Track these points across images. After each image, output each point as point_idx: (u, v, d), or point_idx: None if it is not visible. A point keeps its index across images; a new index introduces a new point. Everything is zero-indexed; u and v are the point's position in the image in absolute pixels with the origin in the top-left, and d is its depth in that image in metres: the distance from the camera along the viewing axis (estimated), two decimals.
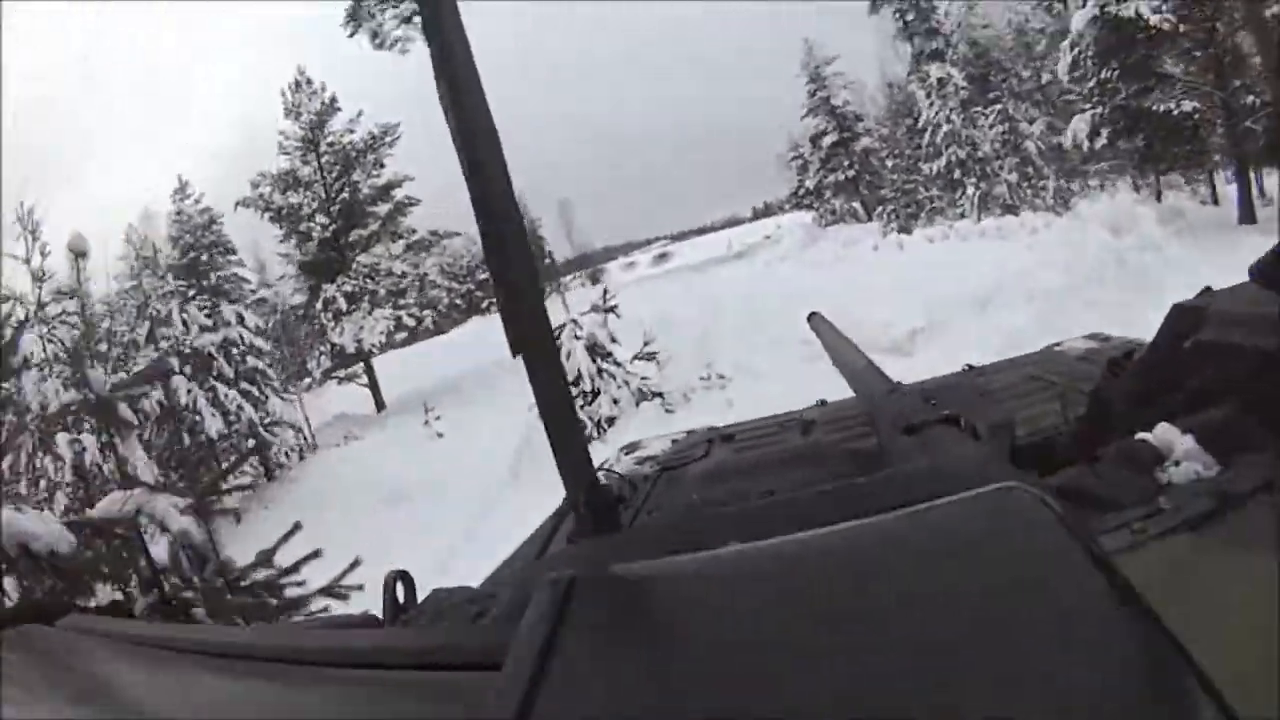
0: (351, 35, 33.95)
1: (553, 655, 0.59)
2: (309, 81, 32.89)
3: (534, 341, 1.07)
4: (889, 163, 40.45)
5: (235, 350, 23.44)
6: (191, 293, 40.97)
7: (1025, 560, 0.61)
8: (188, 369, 21.56)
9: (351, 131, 32.96)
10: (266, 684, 0.89)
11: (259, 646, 1.00)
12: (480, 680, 0.62)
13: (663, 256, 78.95)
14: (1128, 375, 1.55)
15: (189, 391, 20.71)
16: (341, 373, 31.08)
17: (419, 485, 16.11)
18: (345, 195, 32.38)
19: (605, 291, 15.52)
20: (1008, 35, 38.18)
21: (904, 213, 36.41)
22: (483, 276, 59.65)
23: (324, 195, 32.27)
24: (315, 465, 22.30)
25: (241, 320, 23.89)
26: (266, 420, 22.94)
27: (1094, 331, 3.35)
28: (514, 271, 1.09)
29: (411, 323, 31.92)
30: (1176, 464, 0.93)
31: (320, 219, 32.07)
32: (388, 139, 33.10)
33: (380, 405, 30.81)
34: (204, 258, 41.97)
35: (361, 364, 30.95)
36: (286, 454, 23.40)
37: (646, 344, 15.77)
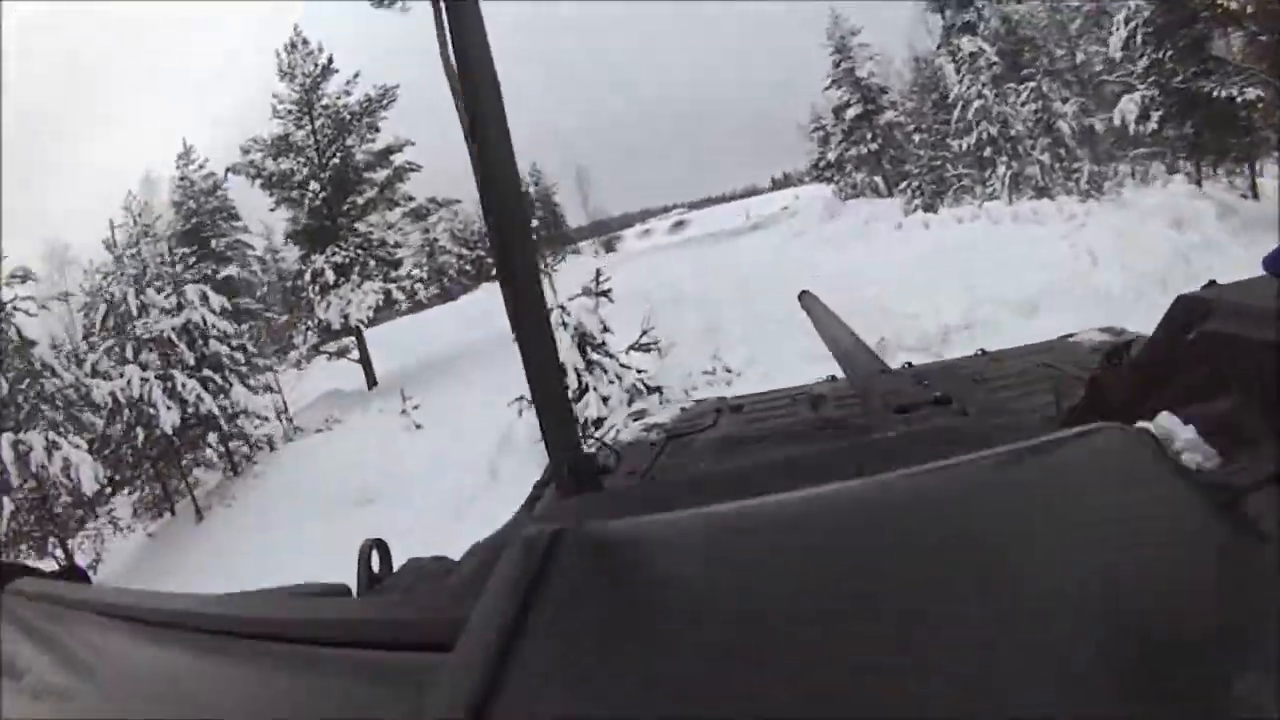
0: None
1: (522, 627, 0.57)
2: (305, 42, 30.95)
3: (528, 314, 1.10)
4: (915, 138, 38.67)
5: (198, 334, 21.42)
6: (193, 259, 40.58)
7: (1139, 500, 0.62)
8: (144, 356, 19.78)
9: (348, 94, 31.07)
10: (208, 656, 0.89)
11: (207, 616, 0.96)
12: (433, 660, 0.60)
13: (679, 225, 79.98)
14: (1127, 364, 1.52)
15: (144, 382, 18.87)
16: (332, 346, 29.28)
17: (390, 485, 14.74)
18: (336, 161, 30.46)
19: (598, 274, 13.66)
20: (1041, 11, 36.42)
21: (929, 190, 34.67)
22: None
23: (316, 161, 30.36)
24: (284, 458, 20.72)
25: (206, 300, 21.74)
26: (230, 411, 20.93)
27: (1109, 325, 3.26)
28: (516, 254, 1.12)
29: (401, 297, 30.04)
30: (1178, 454, 0.85)
31: (312, 186, 30.22)
32: (384, 102, 31.19)
33: (372, 382, 29.12)
34: (207, 223, 41.49)
35: (353, 338, 29.16)
36: (255, 444, 21.62)
37: (644, 333, 13.94)
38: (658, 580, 0.63)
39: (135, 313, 20.22)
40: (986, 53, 32.95)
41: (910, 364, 3.14)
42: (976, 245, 20.40)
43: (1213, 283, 1.30)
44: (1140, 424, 0.91)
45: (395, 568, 1.30)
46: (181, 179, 42.81)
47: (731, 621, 0.53)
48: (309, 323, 28.72)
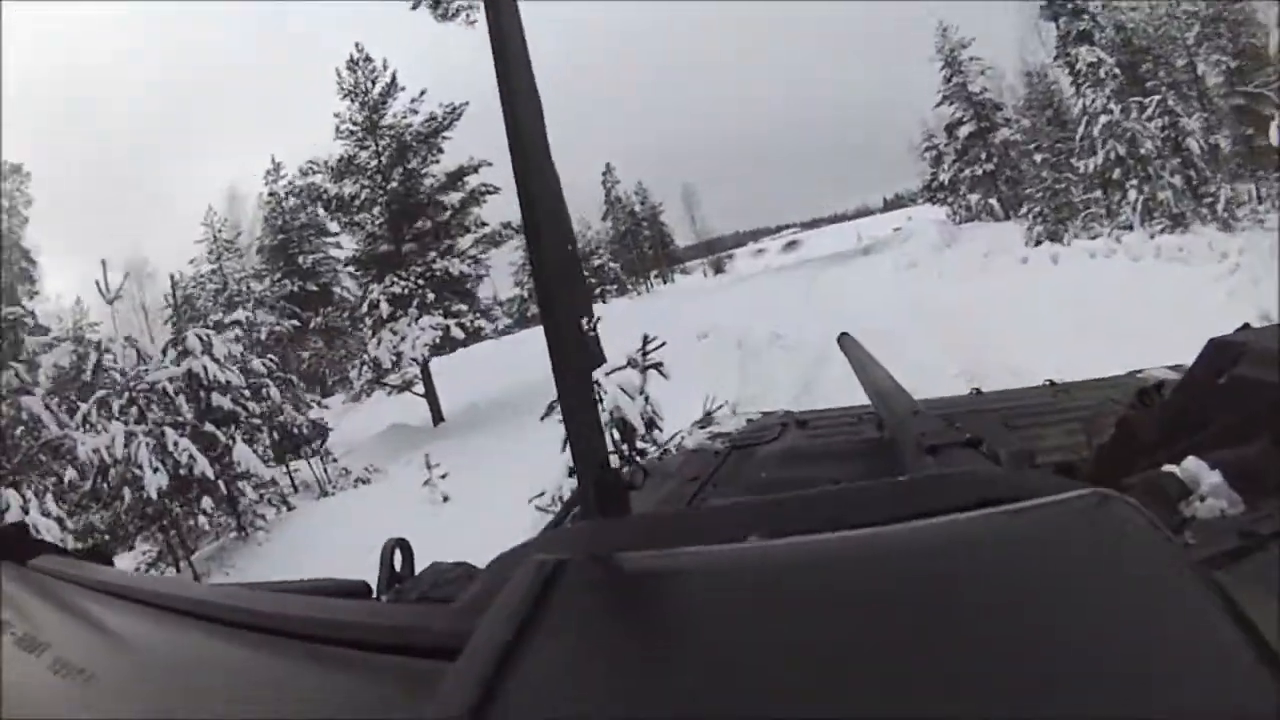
0: (415, 7, 29.80)
1: (523, 645, 0.60)
2: (367, 59, 29.16)
3: (561, 322, 1.09)
4: (1037, 158, 35.65)
5: (200, 386, 18.87)
6: (279, 275, 39.73)
7: (1121, 569, 0.62)
8: (133, 410, 17.52)
9: (414, 112, 29.06)
10: (220, 646, 0.91)
11: (223, 607, 0.98)
12: (435, 667, 0.63)
13: (792, 245, 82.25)
14: (1158, 406, 1.56)
15: (131, 438, 16.59)
16: (395, 379, 26.97)
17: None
18: (395, 185, 28.38)
19: (645, 341, 10.92)
20: (1157, 19, 33.43)
21: (1052, 216, 31.65)
22: (597, 263, 58.95)
23: (380, 184, 28.45)
24: (297, 522, 18.66)
25: (209, 348, 19.22)
26: (232, 472, 18.31)
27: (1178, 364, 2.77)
28: (548, 250, 1.11)
29: (460, 334, 27.07)
30: (1202, 499, 0.89)
31: (375, 210, 28.39)
32: (448, 121, 29.05)
33: (438, 418, 27.09)
34: (294, 239, 40.59)
35: (418, 370, 26.87)
36: (270, 501, 19.53)
37: (708, 414, 10.78)
38: (657, 615, 0.66)
39: (120, 361, 17.97)
40: (1106, 63, 30.24)
41: (978, 390, 3.40)
42: (1117, 288, 17.66)
43: (1247, 326, 1.42)
44: (1166, 468, 0.92)
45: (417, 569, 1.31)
46: (270, 194, 42.31)
47: (721, 663, 0.55)
48: (362, 358, 26.45)
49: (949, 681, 0.48)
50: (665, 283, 68.92)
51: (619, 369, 10.50)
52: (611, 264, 63.63)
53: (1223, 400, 1.15)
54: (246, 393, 19.77)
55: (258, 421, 20.43)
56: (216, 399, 18.72)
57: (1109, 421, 1.87)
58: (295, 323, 32.34)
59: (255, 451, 19.83)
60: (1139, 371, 3.07)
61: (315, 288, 39.48)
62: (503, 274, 43.98)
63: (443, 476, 16.74)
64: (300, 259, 40.90)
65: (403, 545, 1.29)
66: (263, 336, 33.42)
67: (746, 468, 2.75)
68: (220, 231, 44.87)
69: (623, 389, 10.14)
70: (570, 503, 2.72)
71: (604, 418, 9.80)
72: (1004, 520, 0.65)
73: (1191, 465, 0.91)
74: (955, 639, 0.52)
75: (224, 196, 45.47)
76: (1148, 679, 0.48)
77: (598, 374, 10.23)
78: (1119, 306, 15.63)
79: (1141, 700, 0.46)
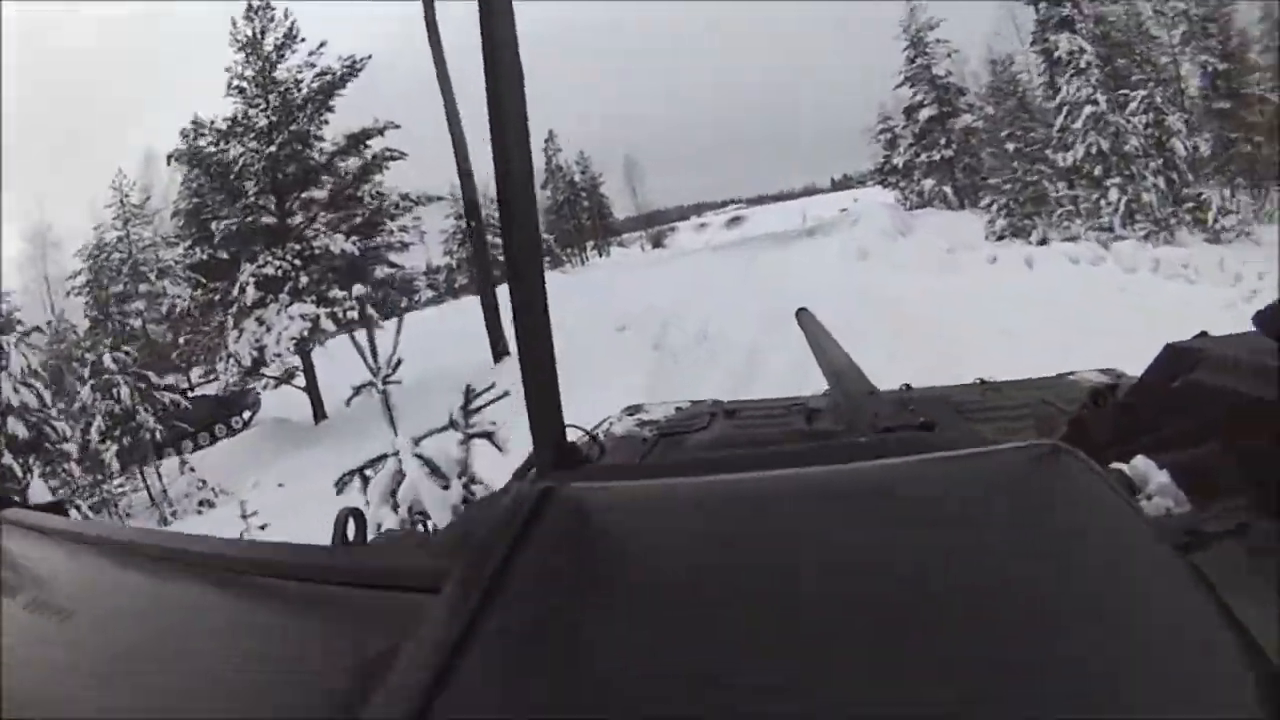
0: None
1: (505, 574, 0.62)
2: (268, 6, 25.54)
3: (527, 301, 1.07)
4: (1009, 146, 33.41)
5: None
6: (189, 243, 36.33)
7: (1072, 517, 0.64)
8: None
9: (311, 66, 25.53)
10: (204, 589, 0.93)
11: (200, 553, 1.01)
12: (418, 601, 0.66)
13: (735, 220, 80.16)
14: (1111, 406, 1.56)
15: None
16: (275, 371, 24.03)
17: None
18: (276, 149, 24.93)
19: (470, 395, 7.29)
20: (1135, 16, 31.52)
21: (1018, 209, 29.19)
22: None
23: (264, 146, 25.13)
24: None
25: (4, 363, 15.95)
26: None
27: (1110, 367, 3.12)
28: (521, 244, 1.09)
29: (332, 326, 23.41)
30: (1149, 498, 0.94)
31: (256, 177, 25.31)
32: (343, 76, 25.59)
33: (320, 414, 24.13)
34: (208, 204, 37.19)
35: (299, 361, 23.91)
36: None
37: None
38: (634, 542, 0.68)
39: None
40: (1087, 52, 28.36)
41: (908, 385, 3.16)
42: (1114, 309, 15.07)
43: (1204, 333, 1.38)
44: (1114, 465, 0.95)
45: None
46: (191, 154, 38.93)
47: (692, 583, 0.59)
48: (223, 354, 23.39)
49: (885, 616, 0.52)
50: (601, 255, 66.92)
51: (439, 430, 7.16)
52: (546, 235, 60.85)
53: (1176, 404, 1.16)
54: (54, 413, 16.82)
55: (69, 448, 17.50)
56: (12, 425, 15.47)
57: (1059, 420, 1.99)
58: (194, 294, 29.01)
59: (105, 461, 18.20)
60: (1071, 373, 3.06)
61: (225, 256, 36.15)
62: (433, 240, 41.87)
63: (262, 528, 13.00)
64: (213, 224, 37.60)
65: (355, 514, 1.28)
66: (164, 311, 30.62)
67: (675, 456, 2.67)
68: (128, 196, 41.48)
69: (430, 467, 6.70)
70: (520, 472, 2.04)
71: (401, 514, 6.56)
72: (958, 463, 0.66)
73: (1140, 464, 0.95)
74: (905, 575, 0.55)
75: (141, 157, 41.84)
76: (1087, 618, 0.50)
77: (401, 440, 6.98)
78: (1119, 331, 12.69)
79: (1078, 636, 0.48)
